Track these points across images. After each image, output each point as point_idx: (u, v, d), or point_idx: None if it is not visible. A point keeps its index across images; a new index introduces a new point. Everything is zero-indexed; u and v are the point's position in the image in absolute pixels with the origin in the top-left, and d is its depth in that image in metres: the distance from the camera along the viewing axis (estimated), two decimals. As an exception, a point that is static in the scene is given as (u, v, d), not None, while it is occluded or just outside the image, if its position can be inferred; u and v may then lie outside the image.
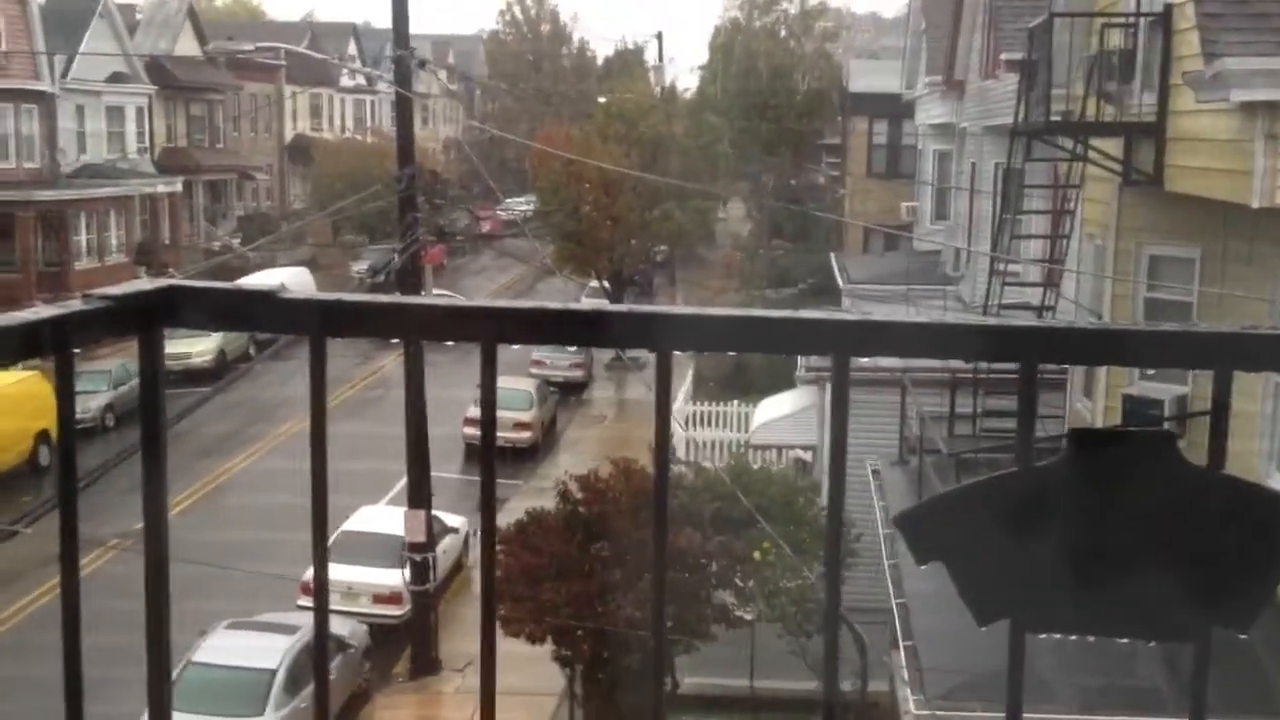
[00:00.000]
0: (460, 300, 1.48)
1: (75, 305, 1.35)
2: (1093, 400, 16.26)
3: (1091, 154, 15.19)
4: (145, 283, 1.42)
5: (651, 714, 1.67)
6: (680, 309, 1.41)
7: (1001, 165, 20.47)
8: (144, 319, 1.41)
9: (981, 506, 1.37)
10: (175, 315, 1.43)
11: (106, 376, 31.02)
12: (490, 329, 1.43)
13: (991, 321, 1.38)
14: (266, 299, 1.43)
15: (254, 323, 1.47)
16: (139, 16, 58.83)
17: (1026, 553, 1.35)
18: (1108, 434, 1.35)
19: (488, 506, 1.55)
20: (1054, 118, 15.78)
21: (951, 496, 1.40)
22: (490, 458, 1.52)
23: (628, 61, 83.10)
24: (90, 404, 29.99)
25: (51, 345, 1.32)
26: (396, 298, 1.50)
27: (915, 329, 1.38)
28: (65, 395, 1.38)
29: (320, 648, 1.65)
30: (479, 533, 1.55)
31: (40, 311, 1.31)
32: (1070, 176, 16.22)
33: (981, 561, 1.37)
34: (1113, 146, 15.09)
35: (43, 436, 28.45)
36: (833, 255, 37.01)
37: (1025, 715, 1.47)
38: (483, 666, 1.52)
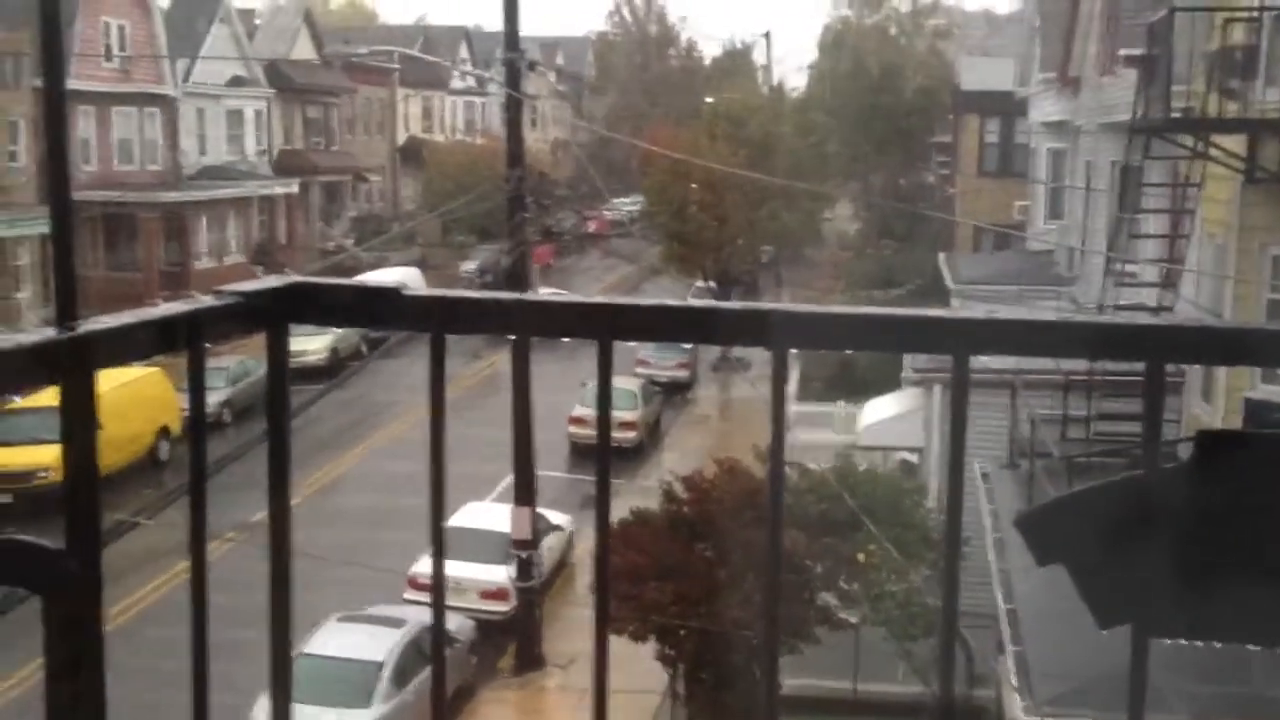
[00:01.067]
0: (577, 297, 1.49)
1: (207, 301, 1.39)
2: (1211, 404, 15.83)
3: (1213, 151, 14.80)
4: (273, 279, 1.46)
5: (764, 715, 1.67)
6: (799, 306, 1.40)
7: (1118, 163, 20.00)
8: (272, 315, 1.45)
9: (1105, 508, 1.34)
10: (301, 311, 1.47)
11: (224, 373, 31.82)
12: (607, 325, 1.44)
13: (1119, 320, 1.35)
14: (389, 296, 1.46)
15: (376, 319, 1.50)
16: (257, 21, 60.29)
17: (1151, 556, 1.32)
18: (1237, 436, 1.32)
19: (602, 500, 1.56)
20: (1174, 114, 15.39)
21: (1074, 498, 1.38)
22: (606, 451, 1.53)
23: (736, 61, 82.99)
24: (209, 400, 30.37)
25: (185, 339, 1.36)
26: (514, 295, 1.52)
27: (1038, 327, 1.36)
28: (197, 388, 1.42)
29: (437, 644, 1.68)
30: (595, 522, 1.56)
31: (174, 307, 1.35)
32: (1190, 175, 15.81)
33: (1104, 564, 1.34)
34: (1235, 144, 14.68)
35: (163, 432, 29.30)
36: (941, 255, 36.50)
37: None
38: (595, 663, 1.54)
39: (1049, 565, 1.38)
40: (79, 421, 1.23)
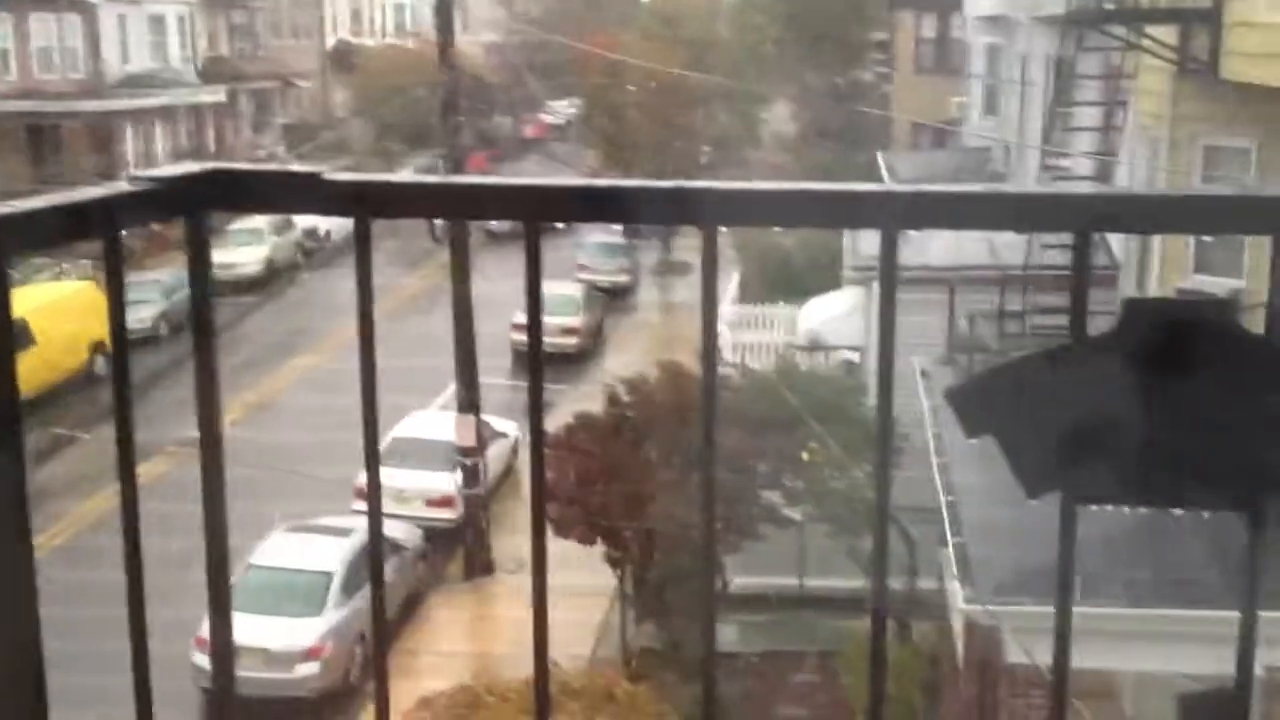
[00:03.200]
0: (504, 179, 1.47)
1: (122, 186, 1.35)
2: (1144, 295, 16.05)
3: (1146, 42, 14.83)
4: (192, 165, 1.42)
5: (704, 612, 1.68)
6: (727, 184, 1.39)
7: (1053, 57, 20.02)
8: (190, 201, 1.41)
9: (1034, 378, 1.35)
10: (221, 197, 1.43)
11: (159, 286, 31.27)
12: (533, 206, 1.41)
13: (1048, 190, 1.35)
14: (311, 180, 1.43)
15: (298, 205, 1.46)
16: (177, -77, 58.30)
17: (1079, 423, 1.34)
18: (1164, 302, 1.33)
19: (535, 391, 1.54)
20: (1107, 5, 15.39)
21: (1003, 369, 1.39)
22: (537, 340, 1.51)
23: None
24: (144, 314, 30.30)
25: (99, 227, 1.32)
26: (440, 177, 1.49)
27: (967, 198, 1.35)
28: (114, 279, 1.38)
29: (375, 550, 1.67)
30: (529, 414, 1.55)
31: (87, 192, 1.31)
32: (1124, 67, 15.85)
33: (1033, 433, 1.36)
34: (1168, 34, 14.71)
35: (98, 346, 28.85)
36: (879, 154, 36.51)
37: (1073, 610, 1.46)
38: (534, 566, 1.54)
39: (978, 436, 1.39)
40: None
